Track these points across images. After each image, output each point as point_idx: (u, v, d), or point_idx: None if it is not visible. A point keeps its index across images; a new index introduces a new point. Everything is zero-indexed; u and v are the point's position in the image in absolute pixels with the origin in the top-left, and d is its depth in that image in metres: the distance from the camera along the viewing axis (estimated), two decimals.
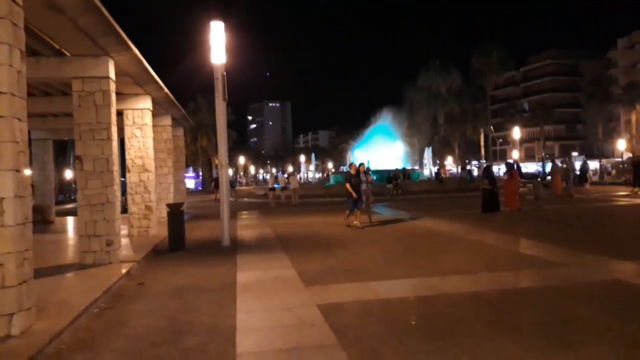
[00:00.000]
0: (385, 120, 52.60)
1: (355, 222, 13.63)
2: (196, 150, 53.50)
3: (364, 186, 13.65)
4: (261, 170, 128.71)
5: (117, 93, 12.79)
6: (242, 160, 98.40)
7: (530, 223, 14.36)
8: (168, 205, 11.39)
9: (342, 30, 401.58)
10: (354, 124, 76.94)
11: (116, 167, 9.49)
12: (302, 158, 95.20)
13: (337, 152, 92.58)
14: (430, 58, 55.70)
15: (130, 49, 9.31)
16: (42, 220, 18.52)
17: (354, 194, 13.26)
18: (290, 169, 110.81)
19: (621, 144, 50.70)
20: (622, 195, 23.39)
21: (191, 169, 75.96)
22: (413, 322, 5.39)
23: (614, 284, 6.78)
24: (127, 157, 13.34)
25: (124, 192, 16.20)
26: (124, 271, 8.56)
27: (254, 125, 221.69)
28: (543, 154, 65.47)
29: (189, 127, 52.36)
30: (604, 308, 5.67)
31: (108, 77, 9.32)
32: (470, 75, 56.46)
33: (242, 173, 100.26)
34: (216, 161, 62.51)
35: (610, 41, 78.07)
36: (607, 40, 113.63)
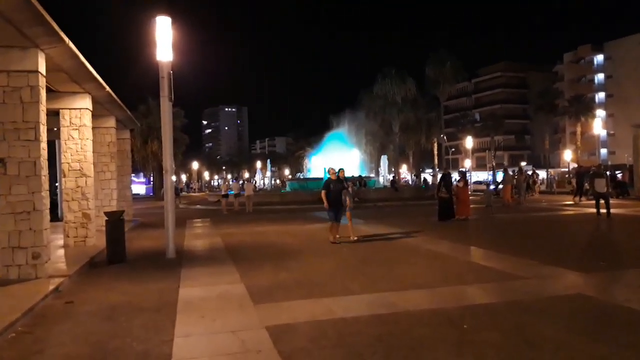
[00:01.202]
0: (342, 127, 52.51)
1: (336, 237, 12.14)
2: (146, 154, 51.50)
3: (342, 195, 12.11)
4: (216, 176, 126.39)
5: (52, 90, 11.85)
6: (195, 165, 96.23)
7: (485, 232, 14.26)
8: (106, 214, 10.48)
9: (301, 34, 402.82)
10: (311, 131, 76.86)
11: (45, 172, 8.56)
12: (259, 164, 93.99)
13: (294, 158, 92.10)
14: (386, 66, 55.98)
15: (63, 41, 8.43)
16: None
17: (325, 203, 11.89)
18: (246, 175, 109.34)
19: (567, 155, 52.65)
20: (569, 204, 24.00)
21: (142, 174, 73.45)
22: (370, 346, 4.88)
23: (577, 298, 6.53)
24: (62, 160, 12.27)
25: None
26: (51, 288, 7.66)
27: (209, 130, 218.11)
28: (494, 163, 67.22)
29: (139, 130, 50.54)
30: (571, 326, 5.35)
31: (37, 72, 8.41)
32: (425, 85, 57.31)
33: (194, 179, 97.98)
34: None
35: (557, 55, 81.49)
36: (554, 54, 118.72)
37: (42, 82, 8.68)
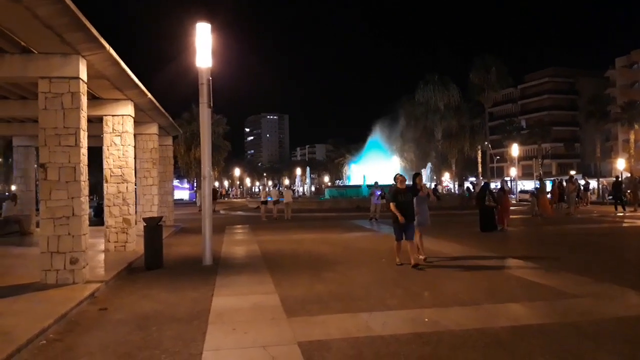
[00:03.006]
0: (382, 134, 51.94)
1: (416, 256, 9.90)
2: (190, 161, 52.60)
3: (417, 205, 10.27)
4: (257, 183, 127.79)
5: (95, 97, 12.05)
6: (237, 172, 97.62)
7: (531, 244, 13.52)
8: (145, 220, 10.50)
9: (342, 43, 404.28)
10: (352, 138, 76.56)
11: (85, 177, 8.61)
12: (298, 171, 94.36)
13: (333, 165, 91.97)
14: (428, 73, 55.11)
15: (104, 47, 8.49)
16: (20, 232, 17.54)
17: (399, 217, 9.67)
18: (286, 181, 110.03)
19: (620, 164, 50.10)
20: (621, 215, 22.65)
21: (185, 180, 75.09)
22: None
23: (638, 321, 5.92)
24: (105, 166, 12.44)
25: None
26: (87, 293, 7.63)
27: (251, 138, 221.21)
28: (541, 172, 64.85)
29: (183, 137, 51.73)
30: (634, 353, 4.80)
31: (78, 78, 8.48)
32: (468, 91, 55.94)
33: (235, 186, 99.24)
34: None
35: (609, 60, 78.06)
36: (605, 59, 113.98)
37: (83, 88, 8.76)
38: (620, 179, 29.85)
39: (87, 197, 8.77)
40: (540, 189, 23.92)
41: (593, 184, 55.07)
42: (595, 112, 60.30)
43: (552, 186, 27.50)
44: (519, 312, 6.44)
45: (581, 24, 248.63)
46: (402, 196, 9.80)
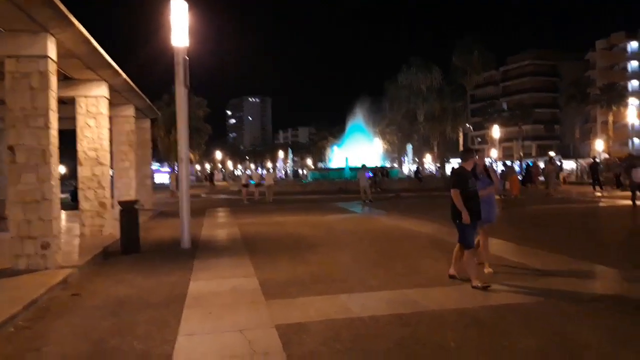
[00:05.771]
0: (365, 117, 51.85)
1: (485, 270, 7.26)
2: (170, 144, 51.74)
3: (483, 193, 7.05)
4: (239, 166, 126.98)
5: (67, 78, 11.63)
6: (219, 155, 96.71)
7: (512, 225, 13.58)
8: (120, 203, 10.24)
9: (327, 25, 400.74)
10: (334, 121, 76.32)
11: (55, 160, 8.31)
12: (281, 154, 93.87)
13: (316, 148, 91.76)
14: (412, 55, 54.91)
15: (73, 24, 8.12)
16: None
17: (465, 215, 6.51)
18: (269, 165, 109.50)
19: (599, 145, 50.85)
20: (599, 196, 23.01)
21: (166, 164, 74.11)
22: (388, 353, 4.43)
23: (621, 300, 5.93)
24: (78, 149, 12.07)
25: None
26: (59, 279, 7.40)
27: (233, 121, 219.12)
28: (521, 154, 65.61)
29: (163, 120, 50.81)
30: (614, 335, 4.80)
31: (47, 57, 8.12)
32: (451, 74, 55.93)
33: (217, 169, 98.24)
34: (191, 155, 60.96)
35: (589, 43, 78.64)
36: (586, 41, 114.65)
37: (53, 67, 8.40)
38: (597, 161, 30.30)
39: (59, 181, 8.47)
40: (509, 171, 23.81)
41: (571, 164, 55.94)
42: (576, 94, 60.84)
43: (527, 167, 27.79)
44: (501, 292, 6.40)
45: (563, 6, 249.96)
46: (470, 182, 6.69)
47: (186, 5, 10.81)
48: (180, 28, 10.61)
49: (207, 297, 6.43)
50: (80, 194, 12.15)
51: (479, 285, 6.41)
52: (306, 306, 5.85)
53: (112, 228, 12.24)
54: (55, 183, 8.26)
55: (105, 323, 5.50)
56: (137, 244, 10.12)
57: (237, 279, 7.41)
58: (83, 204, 12.11)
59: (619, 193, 24.04)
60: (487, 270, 7.34)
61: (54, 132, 8.30)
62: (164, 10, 10.92)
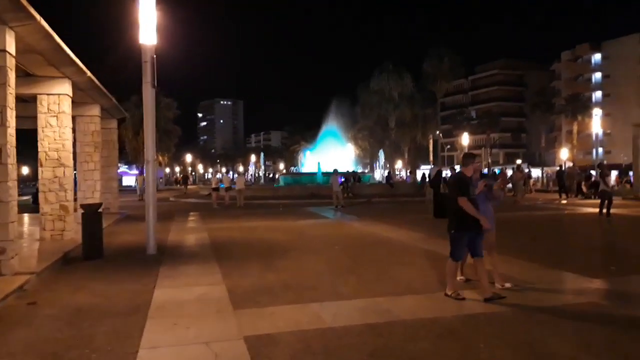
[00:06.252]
0: (337, 122, 51.85)
1: (486, 283, 6.33)
2: (138, 145, 50.62)
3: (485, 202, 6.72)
4: (210, 170, 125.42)
5: (29, 74, 11.14)
6: (189, 158, 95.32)
7: None
8: (82, 206, 9.81)
9: (299, 27, 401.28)
10: (307, 125, 76.11)
11: (12, 160, 7.87)
12: (253, 158, 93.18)
13: (288, 153, 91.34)
14: (384, 60, 55.30)
15: (33, 17, 7.73)
16: None
17: (484, 221, 6.23)
18: (240, 168, 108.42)
19: (564, 153, 52.20)
20: (564, 203, 23.54)
21: (134, 166, 72.53)
22: None
23: (589, 307, 5.94)
24: (39, 149, 11.55)
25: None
26: (14, 287, 6.99)
27: (204, 123, 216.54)
28: (489, 161, 66.84)
29: (131, 121, 49.70)
30: (582, 341, 4.76)
31: (4, 51, 7.69)
32: (422, 81, 56.67)
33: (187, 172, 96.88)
34: (160, 158, 59.77)
35: (555, 54, 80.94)
36: (552, 52, 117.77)
37: (11, 62, 7.97)
38: (563, 169, 31.08)
39: (16, 182, 8.03)
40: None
41: (537, 172, 57.30)
42: (541, 104, 62.57)
43: (495, 175, 28.15)
44: (471, 300, 6.33)
45: (531, 17, 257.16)
46: (473, 190, 6.37)
47: (154, 1, 10.48)
48: (148, 25, 10.26)
49: (171, 306, 6.15)
50: (41, 197, 11.63)
51: (452, 294, 6.29)
52: (276, 316, 5.65)
53: (74, 232, 11.75)
54: (12, 185, 7.82)
55: (62, 334, 5.17)
56: (100, 249, 9.71)
57: (204, 287, 7.14)
58: (44, 207, 11.59)
59: (582, 201, 24.68)
60: (506, 284, 6.74)
61: (11, 131, 7.86)
62: (134, 7, 10.57)
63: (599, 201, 16.73)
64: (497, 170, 36.37)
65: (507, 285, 6.74)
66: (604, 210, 15.95)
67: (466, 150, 54.23)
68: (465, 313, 5.75)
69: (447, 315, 5.64)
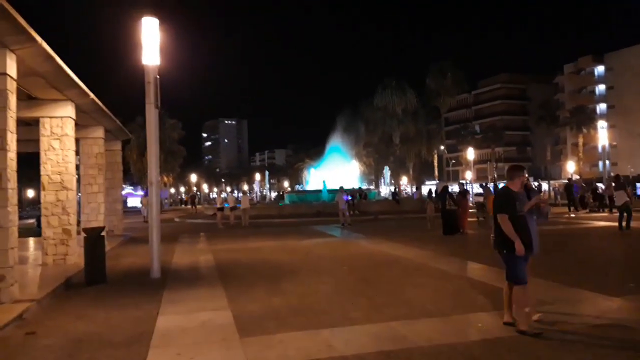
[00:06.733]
0: (342, 139, 51.77)
1: (523, 313, 5.58)
2: (143, 167, 50.66)
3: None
4: (215, 189, 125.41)
5: (31, 98, 11.07)
6: (194, 178, 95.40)
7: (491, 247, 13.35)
8: (84, 230, 9.61)
9: (302, 47, 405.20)
10: (311, 143, 76.20)
11: (12, 185, 7.70)
12: (257, 176, 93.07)
13: (293, 170, 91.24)
14: (387, 77, 55.42)
15: (34, 40, 7.64)
16: None
17: (518, 245, 5.45)
18: (245, 187, 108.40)
19: (570, 166, 51.84)
20: (574, 217, 23.16)
21: (140, 187, 72.57)
22: None
23: (610, 328, 5.63)
24: (42, 172, 11.41)
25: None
26: (13, 315, 6.76)
27: (209, 143, 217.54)
28: (495, 175, 66.47)
29: (136, 143, 49.85)
30: None
31: (5, 74, 7.58)
32: (425, 96, 56.70)
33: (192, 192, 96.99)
34: (165, 178, 59.80)
35: (558, 67, 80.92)
36: (555, 65, 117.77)
37: (12, 86, 7.86)
38: (571, 182, 30.68)
39: (16, 207, 7.86)
40: (486, 192, 23.38)
41: (544, 186, 56.82)
42: (545, 117, 62.42)
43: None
44: (490, 323, 6.03)
45: (532, 30, 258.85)
46: (520, 205, 5.60)
47: (157, 21, 10.42)
48: (151, 45, 10.19)
49: (175, 334, 5.89)
50: (44, 221, 11.44)
51: (527, 330, 5.38)
52: (285, 344, 5.37)
53: (77, 256, 11.53)
54: (13, 210, 7.64)
55: None
56: (103, 273, 9.47)
57: (209, 312, 6.88)
58: (46, 231, 11.40)
59: (589, 214, 24.28)
60: (537, 315, 5.93)
61: (11, 155, 7.71)
62: (137, 28, 10.51)
63: (606, 214, 16.40)
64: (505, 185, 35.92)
65: (538, 316, 5.91)
66: (624, 223, 15.58)
67: (471, 165, 53.96)
68: (483, 337, 5.46)
69: (466, 340, 5.36)
